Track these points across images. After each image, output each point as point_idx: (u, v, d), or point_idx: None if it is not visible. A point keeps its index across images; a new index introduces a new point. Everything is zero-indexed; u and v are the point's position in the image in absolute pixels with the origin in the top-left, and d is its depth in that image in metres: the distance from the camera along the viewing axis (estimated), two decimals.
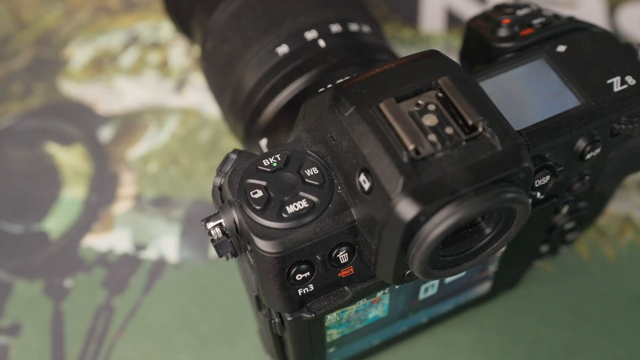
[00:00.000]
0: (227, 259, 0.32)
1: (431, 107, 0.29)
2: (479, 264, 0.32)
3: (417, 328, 0.43)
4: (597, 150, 0.34)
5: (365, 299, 0.35)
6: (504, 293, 0.46)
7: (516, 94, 0.34)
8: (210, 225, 0.31)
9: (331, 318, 0.35)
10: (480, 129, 0.28)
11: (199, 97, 0.56)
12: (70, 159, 0.54)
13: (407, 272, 0.31)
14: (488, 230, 0.31)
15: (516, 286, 0.46)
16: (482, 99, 0.29)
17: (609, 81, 0.34)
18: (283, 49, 0.40)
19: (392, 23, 0.60)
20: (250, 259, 0.32)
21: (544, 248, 0.43)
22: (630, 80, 0.34)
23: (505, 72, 0.35)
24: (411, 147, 0.27)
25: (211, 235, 0.31)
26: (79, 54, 0.59)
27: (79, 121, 0.55)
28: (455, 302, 0.43)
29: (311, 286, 0.32)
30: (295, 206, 0.30)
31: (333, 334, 0.37)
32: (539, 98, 0.34)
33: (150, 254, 0.49)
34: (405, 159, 0.27)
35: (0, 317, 0.47)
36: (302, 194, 0.30)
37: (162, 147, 0.54)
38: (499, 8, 0.38)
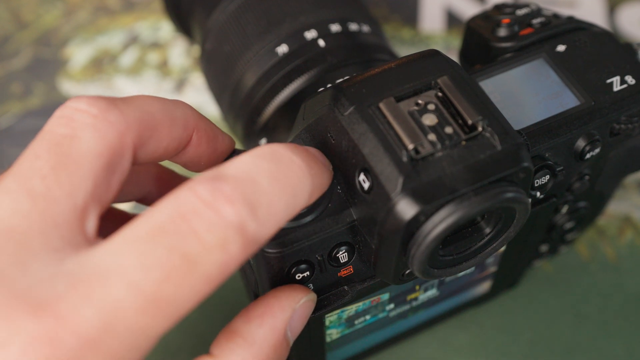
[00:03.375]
0: None
1: (431, 106, 0.29)
2: (479, 263, 0.32)
3: (416, 328, 0.43)
4: (597, 150, 0.34)
5: (365, 299, 0.35)
6: (503, 293, 0.46)
7: (516, 93, 0.34)
8: None
9: (331, 318, 0.35)
10: (480, 129, 0.28)
11: (199, 97, 0.56)
12: None
13: (407, 272, 0.31)
14: (488, 230, 0.31)
15: (516, 286, 0.46)
16: (481, 98, 0.29)
17: (608, 81, 0.34)
18: (283, 49, 0.40)
19: (392, 23, 0.60)
20: (250, 259, 0.32)
21: (544, 248, 0.43)
22: (630, 79, 0.34)
23: (504, 72, 0.35)
24: (411, 146, 0.27)
25: None
26: (79, 54, 0.59)
27: None
28: (455, 301, 0.43)
29: (311, 286, 0.32)
30: None
31: (332, 334, 0.37)
32: (538, 98, 0.34)
33: None
34: (404, 158, 0.27)
35: None
36: None
37: None
38: (498, 8, 0.38)
